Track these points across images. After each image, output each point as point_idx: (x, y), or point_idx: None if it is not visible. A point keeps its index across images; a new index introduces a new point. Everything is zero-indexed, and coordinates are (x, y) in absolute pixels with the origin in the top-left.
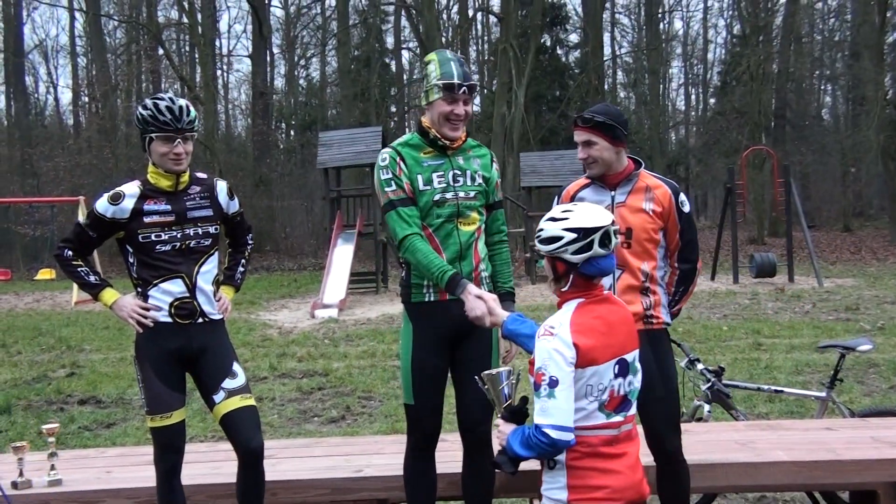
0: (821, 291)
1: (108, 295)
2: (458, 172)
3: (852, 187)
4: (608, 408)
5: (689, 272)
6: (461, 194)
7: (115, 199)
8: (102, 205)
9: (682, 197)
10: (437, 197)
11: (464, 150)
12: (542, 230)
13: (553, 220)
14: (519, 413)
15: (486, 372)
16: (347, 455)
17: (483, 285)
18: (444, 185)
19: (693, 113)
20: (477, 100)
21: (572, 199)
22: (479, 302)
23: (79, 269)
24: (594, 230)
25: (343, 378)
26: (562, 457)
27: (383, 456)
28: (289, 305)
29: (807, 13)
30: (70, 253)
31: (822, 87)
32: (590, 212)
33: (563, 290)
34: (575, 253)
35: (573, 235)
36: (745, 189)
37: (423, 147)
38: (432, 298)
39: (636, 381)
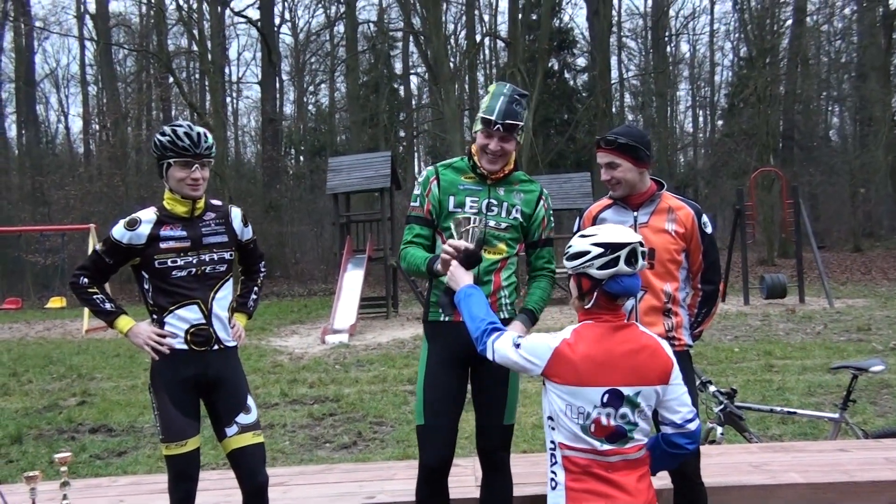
0: (832, 312)
1: (124, 322)
2: (494, 202)
3: (862, 208)
4: (597, 434)
5: (711, 293)
6: (491, 223)
7: (132, 225)
8: (119, 231)
9: (705, 218)
10: None
11: (509, 182)
12: (570, 246)
13: (582, 236)
14: (473, 256)
15: (457, 216)
16: (359, 481)
17: (502, 311)
18: (476, 210)
19: (701, 135)
20: None
21: (594, 219)
22: (447, 248)
23: (94, 297)
24: (621, 246)
25: (354, 404)
26: (561, 478)
27: (396, 482)
28: (299, 331)
29: (813, 35)
30: (86, 280)
31: (830, 108)
32: (619, 230)
33: (586, 307)
34: (600, 268)
35: (600, 250)
36: (755, 210)
37: (465, 171)
38: (446, 318)
39: (638, 417)
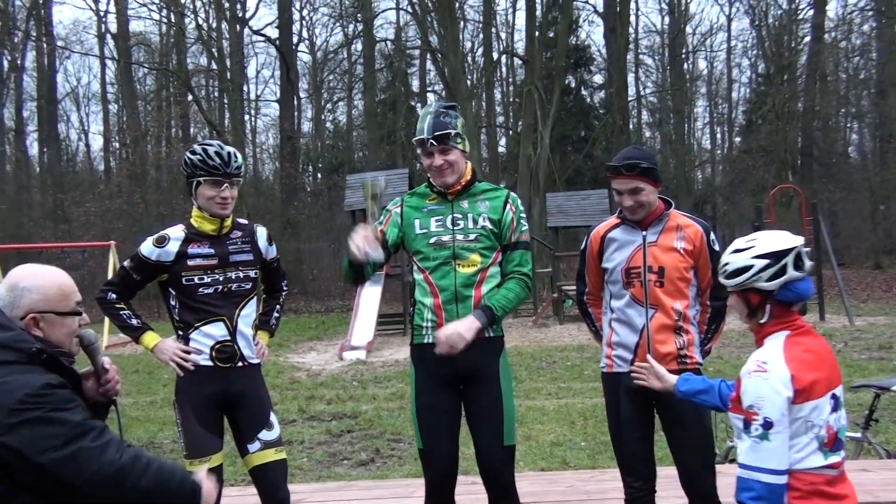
0: (852, 330)
1: (150, 338)
2: (459, 216)
3: (882, 225)
4: (826, 446)
5: (720, 309)
6: (459, 237)
7: (161, 242)
8: (147, 248)
9: (713, 235)
10: (432, 240)
11: (472, 193)
12: (726, 264)
13: (738, 251)
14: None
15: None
16: (378, 499)
17: (487, 330)
18: (442, 228)
19: (719, 152)
20: (503, 141)
21: (602, 239)
22: (358, 235)
23: (121, 312)
24: (786, 252)
25: (372, 420)
26: (784, 499)
27: (414, 499)
28: (317, 348)
29: (831, 52)
30: (113, 296)
31: (849, 125)
32: (776, 236)
33: (761, 322)
34: (769, 280)
35: (765, 262)
36: (773, 227)
37: (428, 195)
38: (431, 340)
39: (843, 417)
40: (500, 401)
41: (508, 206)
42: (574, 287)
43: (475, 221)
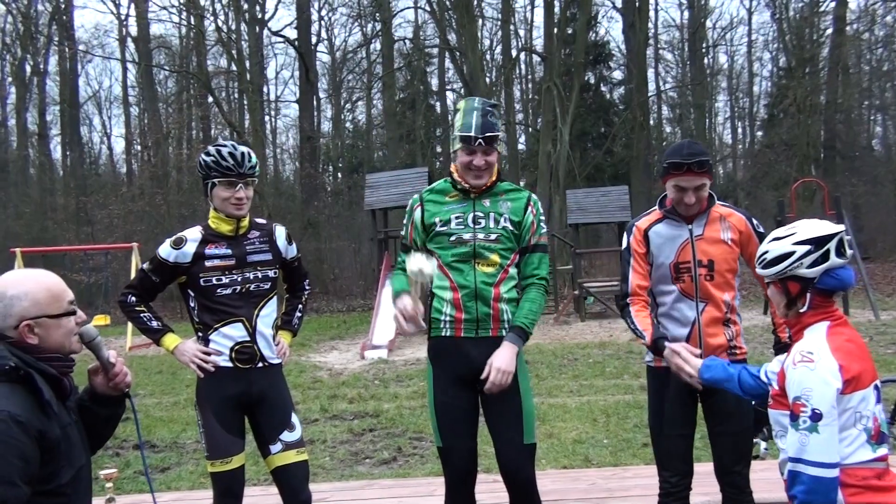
0: (878, 324)
1: (170, 340)
2: (481, 215)
3: None
4: (873, 439)
5: None
6: (480, 236)
7: (178, 244)
8: (165, 250)
9: (755, 220)
10: (453, 237)
11: (494, 193)
12: (766, 252)
13: (777, 239)
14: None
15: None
16: (400, 497)
17: (505, 328)
18: (463, 226)
19: (740, 146)
20: (522, 138)
21: (645, 234)
22: (398, 307)
23: (141, 315)
24: (829, 237)
25: (394, 419)
26: (839, 496)
27: (435, 498)
28: (338, 347)
29: (853, 44)
30: (133, 299)
31: (872, 118)
32: (817, 223)
33: (801, 311)
34: (811, 266)
35: (807, 247)
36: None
37: (448, 191)
38: (448, 333)
39: (883, 409)
40: (518, 399)
41: (530, 209)
42: (602, 284)
43: (497, 221)
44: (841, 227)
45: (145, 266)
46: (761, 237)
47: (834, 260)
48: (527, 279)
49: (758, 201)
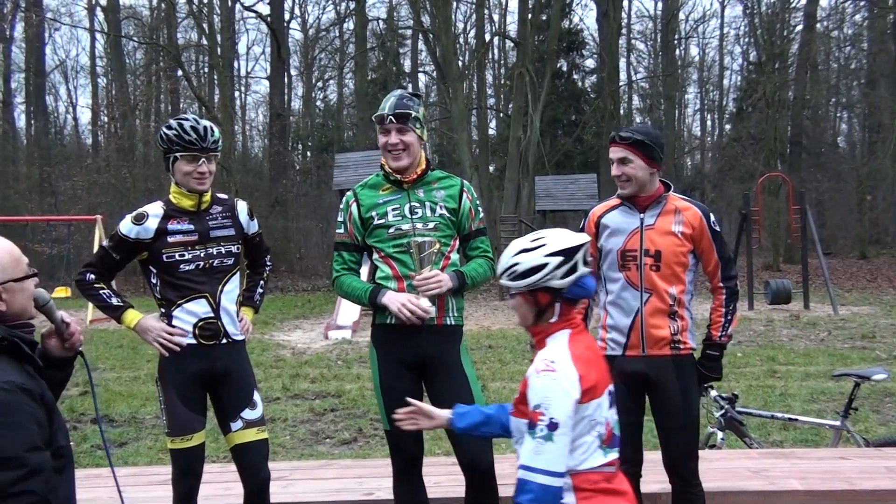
0: (836, 319)
1: (131, 316)
2: (416, 204)
3: (868, 215)
4: (605, 443)
5: (734, 289)
6: (418, 225)
7: (139, 220)
8: (126, 225)
9: (713, 217)
10: (392, 230)
11: (427, 182)
12: (515, 265)
13: (526, 251)
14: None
15: (415, 240)
16: (359, 478)
17: (448, 317)
18: (400, 217)
19: (709, 139)
20: (493, 123)
21: (598, 221)
22: (401, 299)
23: (100, 292)
24: (578, 248)
25: (356, 400)
26: (571, 500)
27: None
28: (302, 326)
29: (823, 41)
30: (92, 276)
31: (838, 115)
32: (563, 233)
33: (551, 321)
34: (563, 277)
35: (559, 259)
36: (761, 215)
37: (381, 185)
38: (394, 321)
39: (616, 413)
40: (468, 385)
41: (465, 196)
42: None
43: (433, 210)
44: (586, 238)
45: (105, 243)
46: (716, 236)
47: (582, 270)
48: (474, 259)
49: (724, 194)
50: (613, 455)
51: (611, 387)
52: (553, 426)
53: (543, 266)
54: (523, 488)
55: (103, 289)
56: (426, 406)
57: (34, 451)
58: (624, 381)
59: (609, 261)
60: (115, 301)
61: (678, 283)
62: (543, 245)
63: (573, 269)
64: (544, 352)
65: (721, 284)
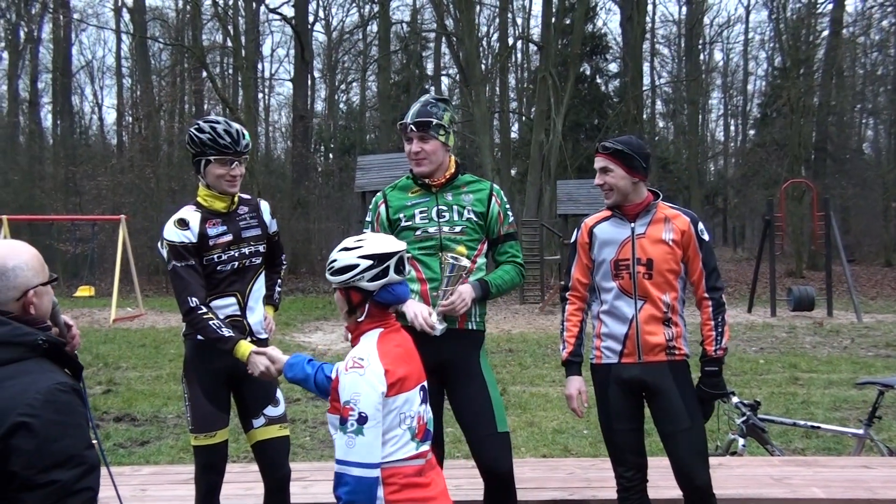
0: (860, 327)
1: (244, 348)
2: (444, 208)
3: (894, 222)
4: (417, 437)
5: (720, 300)
6: (445, 229)
7: (183, 225)
8: (175, 233)
9: (702, 226)
10: (419, 232)
11: (455, 186)
12: (334, 261)
13: (346, 249)
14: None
15: (451, 255)
16: None
17: (470, 322)
18: (427, 220)
19: (732, 144)
20: (515, 127)
21: (590, 231)
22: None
23: (210, 324)
24: (391, 255)
25: None
26: (380, 493)
27: None
28: (323, 327)
29: (849, 47)
30: (195, 302)
31: (864, 121)
32: (383, 239)
33: (358, 320)
34: (371, 280)
35: (369, 262)
36: (784, 221)
37: (411, 187)
38: (416, 326)
39: (430, 409)
40: (486, 390)
41: (494, 200)
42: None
43: (460, 214)
44: (403, 246)
45: (175, 264)
46: (703, 245)
47: (392, 276)
48: (503, 264)
49: (747, 200)
50: (425, 448)
51: (424, 383)
52: (363, 420)
53: (355, 266)
54: (340, 481)
55: (212, 320)
56: (271, 350)
57: (90, 448)
58: (621, 388)
59: (602, 271)
60: (225, 332)
61: (671, 290)
62: (360, 247)
63: (383, 274)
64: (355, 349)
65: (706, 295)
